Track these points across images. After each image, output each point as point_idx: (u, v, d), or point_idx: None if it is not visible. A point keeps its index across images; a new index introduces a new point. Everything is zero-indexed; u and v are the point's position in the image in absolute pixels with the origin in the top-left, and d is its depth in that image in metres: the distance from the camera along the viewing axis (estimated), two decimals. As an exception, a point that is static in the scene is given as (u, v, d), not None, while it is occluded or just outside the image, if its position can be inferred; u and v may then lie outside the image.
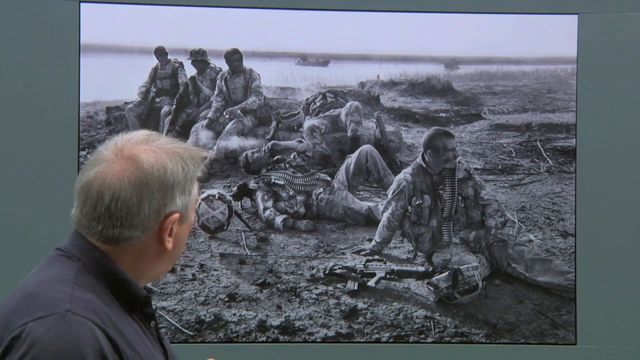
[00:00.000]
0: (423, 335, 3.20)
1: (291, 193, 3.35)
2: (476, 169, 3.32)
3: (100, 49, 3.19)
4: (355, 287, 3.23)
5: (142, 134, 1.48)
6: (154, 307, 1.54)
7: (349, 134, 3.38)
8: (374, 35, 3.29)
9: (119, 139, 1.46)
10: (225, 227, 3.28)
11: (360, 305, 3.22)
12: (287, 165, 3.36)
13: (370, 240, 3.29)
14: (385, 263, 3.26)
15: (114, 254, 1.43)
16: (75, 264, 1.43)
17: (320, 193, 3.35)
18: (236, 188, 3.33)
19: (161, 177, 1.42)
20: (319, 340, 3.18)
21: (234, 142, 3.35)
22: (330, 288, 3.23)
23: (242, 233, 3.28)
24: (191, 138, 3.33)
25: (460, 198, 3.28)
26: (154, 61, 3.30)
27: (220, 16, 3.24)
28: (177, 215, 1.43)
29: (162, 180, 1.42)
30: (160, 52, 3.29)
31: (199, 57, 3.33)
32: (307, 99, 3.40)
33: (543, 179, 3.32)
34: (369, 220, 3.32)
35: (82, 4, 3.14)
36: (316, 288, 3.22)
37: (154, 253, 1.45)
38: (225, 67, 3.34)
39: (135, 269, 1.44)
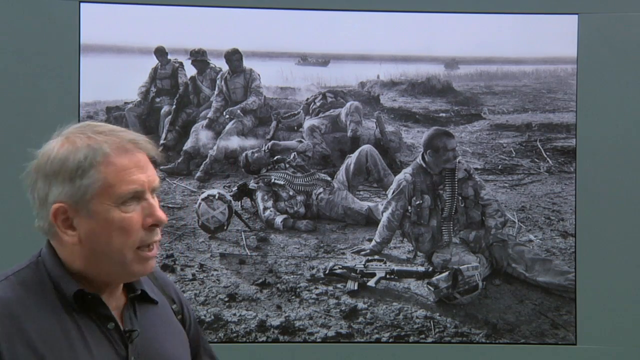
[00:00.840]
0: (423, 335, 3.20)
1: (291, 193, 3.35)
2: (476, 169, 3.32)
3: (100, 49, 3.19)
4: (355, 287, 3.23)
5: (84, 122, 1.47)
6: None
7: (349, 134, 3.38)
8: (374, 35, 3.29)
9: (69, 127, 1.47)
10: (225, 227, 3.28)
11: (360, 305, 3.22)
12: (287, 165, 3.36)
13: (370, 240, 3.29)
14: (385, 263, 3.26)
15: (58, 249, 1.43)
16: (29, 261, 1.46)
17: (320, 193, 3.35)
18: (236, 188, 3.33)
19: (42, 165, 1.43)
20: (319, 340, 3.18)
21: (234, 142, 3.35)
22: (330, 288, 3.23)
23: (242, 233, 3.28)
24: (191, 138, 3.33)
25: (460, 198, 3.28)
26: (154, 61, 3.30)
27: (220, 16, 3.24)
28: (58, 205, 1.37)
29: (44, 169, 1.41)
30: (160, 52, 3.29)
31: (199, 57, 3.33)
32: (307, 99, 3.40)
33: (543, 179, 3.32)
34: (369, 220, 3.32)
35: (82, 4, 3.14)
36: (316, 288, 3.22)
37: (69, 247, 1.40)
38: (225, 67, 3.34)
39: (70, 263, 1.42)
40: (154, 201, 1.41)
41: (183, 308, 1.62)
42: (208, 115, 3.36)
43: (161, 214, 1.40)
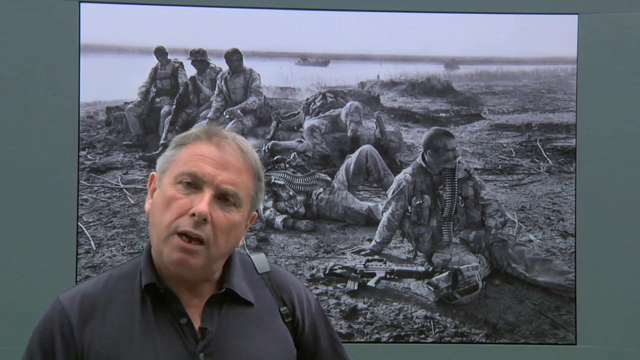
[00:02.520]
0: (423, 335, 3.20)
1: (291, 193, 3.35)
2: (476, 169, 3.32)
3: (100, 49, 3.19)
4: (355, 287, 3.23)
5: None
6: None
7: (349, 134, 3.38)
8: (374, 35, 3.29)
9: None
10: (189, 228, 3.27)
11: (360, 305, 3.22)
12: (287, 165, 3.36)
13: (370, 240, 3.29)
14: (385, 263, 3.26)
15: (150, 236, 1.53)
16: (139, 255, 1.54)
17: (320, 193, 3.35)
18: (236, 188, 3.32)
19: None
20: (319, 340, 3.18)
21: (234, 142, 3.34)
22: (330, 288, 3.23)
23: (242, 233, 3.28)
24: (191, 138, 3.33)
25: (460, 198, 3.28)
26: (154, 61, 3.30)
27: (220, 16, 3.24)
28: (153, 174, 1.50)
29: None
30: (160, 52, 3.29)
31: (199, 57, 3.33)
32: (307, 99, 3.40)
33: (543, 179, 3.32)
34: (369, 220, 3.32)
35: (82, 4, 3.14)
36: (316, 288, 3.22)
37: (150, 226, 1.49)
38: (225, 67, 3.34)
39: (155, 254, 1.50)
40: (207, 196, 1.42)
41: (296, 312, 1.59)
42: (208, 115, 3.36)
43: (201, 206, 1.41)
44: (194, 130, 1.49)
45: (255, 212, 1.55)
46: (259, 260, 1.61)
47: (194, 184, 1.43)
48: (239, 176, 1.46)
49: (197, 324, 1.46)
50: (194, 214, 1.41)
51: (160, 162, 1.49)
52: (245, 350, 1.47)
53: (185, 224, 1.41)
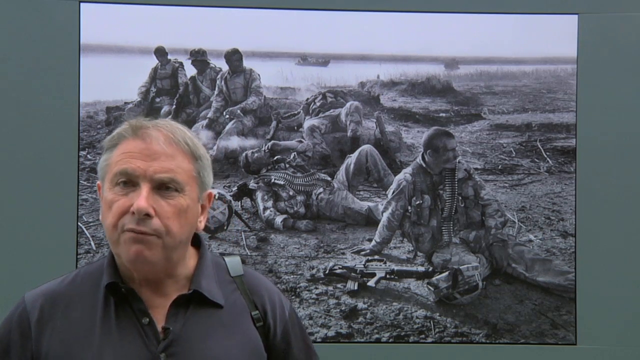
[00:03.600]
0: (423, 335, 3.20)
1: (291, 193, 3.35)
2: (476, 169, 3.32)
3: (100, 49, 3.19)
4: (355, 287, 3.23)
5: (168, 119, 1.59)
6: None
7: (349, 134, 3.38)
8: (374, 35, 3.29)
9: None
10: (225, 227, 3.28)
11: (360, 305, 3.22)
12: (287, 165, 3.36)
13: (370, 240, 3.29)
14: (385, 263, 3.26)
15: None
16: (108, 254, 1.54)
17: (320, 193, 3.35)
18: (236, 188, 3.33)
19: None
20: (319, 340, 3.18)
21: (234, 142, 3.35)
22: (330, 288, 3.23)
23: (242, 233, 3.28)
24: (191, 138, 3.33)
25: (460, 198, 3.28)
26: (154, 61, 3.30)
27: (220, 16, 3.24)
28: (99, 184, 1.49)
29: None
30: (160, 52, 3.29)
31: (199, 57, 3.33)
32: (307, 99, 3.40)
33: (543, 179, 3.32)
34: (369, 220, 3.32)
35: (82, 4, 3.14)
36: (316, 288, 3.22)
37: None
38: (225, 67, 3.34)
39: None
40: (144, 191, 1.41)
41: (267, 317, 1.58)
42: (208, 115, 3.36)
43: (139, 203, 1.40)
44: (119, 129, 1.47)
45: (209, 191, 1.53)
46: (233, 263, 1.61)
47: (129, 182, 1.42)
48: (172, 162, 1.44)
49: (160, 324, 1.45)
50: (134, 212, 1.40)
51: (98, 169, 1.48)
52: (208, 352, 1.46)
53: (128, 221, 1.41)
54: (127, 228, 1.40)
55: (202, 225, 1.53)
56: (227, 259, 1.61)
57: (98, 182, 1.49)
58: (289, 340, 1.61)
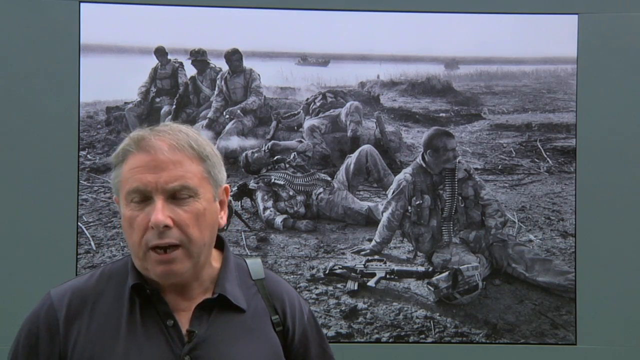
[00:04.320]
0: (423, 335, 3.20)
1: (291, 193, 3.35)
2: (476, 169, 3.32)
3: (100, 49, 3.19)
4: (355, 287, 3.23)
5: (169, 123, 1.54)
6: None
7: (349, 134, 3.38)
8: (374, 35, 3.29)
9: None
10: (225, 227, 3.28)
11: (360, 305, 3.22)
12: (287, 165, 3.36)
13: (370, 240, 3.29)
14: (385, 263, 3.26)
15: None
16: (125, 255, 1.57)
17: (320, 193, 3.35)
18: (236, 188, 3.33)
19: None
20: (319, 340, 3.17)
21: (234, 142, 3.35)
22: (330, 288, 3.23)
23: (242, 233, 3.28)
24: (191, 138, 3.33)
25: (460, 198, 3.28)
26: (154, 61, 3.30)
27: (220, 16, 3.24)
28: (116, 198, 1.49)
29: None
30: (160, 52, 3.29)
31: (199, 57, 3.33)
32: (307, 99, 3.40)
33: (543, 179, 3.32)
34: (369, 220, 3.32)
35: (82, 4, 3.14)
36: (316, 288, 3.22)
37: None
38: (225, 67, 3.34)
39: None
40: (159, 204, 1.41)
41: (287, 321, 1.58)
42: (208, 115, 3.36)
43: (156, 217, 1.40)
44: (123, 144, 1.46)
45: (223, 185, 1.53)
46: (254, 265, 1.60)
47: (143, 197, 1.42)
48: (180, 168, 1.43)
49: (184, 327, 1.45)
50: (152, 227, 1.40)
51: (112, 185, 1.49)
52: (232, 357, 1.46)
53: (151, 238, 1.41)
54: (152, 245, 1.41)
55: (223, 221, 1.52)
56: (248, 261, 1.61)
57: (115, 196, 1.49)
58: (307, 345, 1.61)
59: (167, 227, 1.40)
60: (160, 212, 1.40)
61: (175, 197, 1.42)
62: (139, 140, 1.44)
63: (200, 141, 1.48)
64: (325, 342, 1.67)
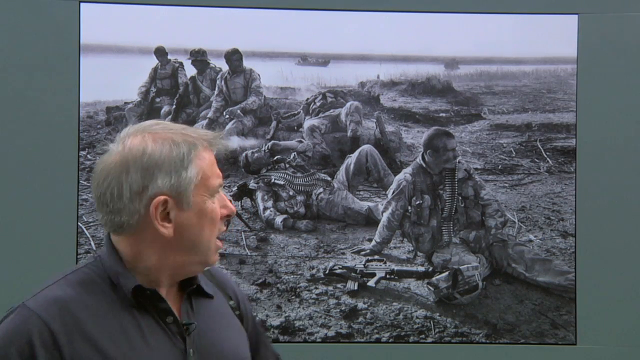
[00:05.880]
0: (423, 335, 3.20)
1: (291, 193, 3.35)
2: (476, 169, 3.32)
3: (100, 49, 3.19)
4: (355, 287, 3.22)
5: (150, 122, 1.49)
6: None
7: (349, 134, 3.38)
8: (374, 35, 3.29)
9: (131, 127, 1.49)
10: (225, 227, 3.28)
11: (360, 305, 3.22)
12: (287, 165, 3.36)
13: (370, 240, 3.29)
14: (385, 263, 3.26)
15: (118, 244, 1.46)
16: (88, 260, 1.49)
17: (320, 193, 3.35)
18: (236, 188, 3.33)
19: (138, 158, 1.41)
20: (319, 340, 3.18)
21: (234, 142, 3.35)
22: (330, 288, 3.23)
23: (242, 233, 3.28)
24: (191, 138, 3.33)
25: (460, 198, 3.28)
26: (154, 61, 3.30)
27: (220, 16, 3.24)
28: (162, 198, 1.41)
29: (141, 162, 1.41)
30: (160, 52, 3.29)
31: (199, 57, 3.33)
32: (307, 99, 3.40)
33: (543, 179, 3.32)
34: (369, 220, 3.32)
35: (82, 4, 3.14)
36: (316, 288, 3.22)
37: (155, 240, 1.43)
38: (225, 67, 3.34)
39: (138, 259, 1.45)
40: (224, 194, 1.49)
41: (240, 305, 1.65)
42: (208, 115, 3.36)
43: (232, 206, 1.50)
44: (188, 142, 1.45)
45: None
46: None
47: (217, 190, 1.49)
48: None
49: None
50: (229, 215, 1.49)
51: (171, 185, 1.42)
52: (222, 343, 1.51)
53: (222, 227, 1.50)
54: (222, 232, 1.49)
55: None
56: None
57: (162, 197, 1.41)
58: (257, 332, 1.70)
59: None
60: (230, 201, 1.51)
61: None
62: (202, 135, 1.47)
63: None
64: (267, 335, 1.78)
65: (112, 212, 1.43)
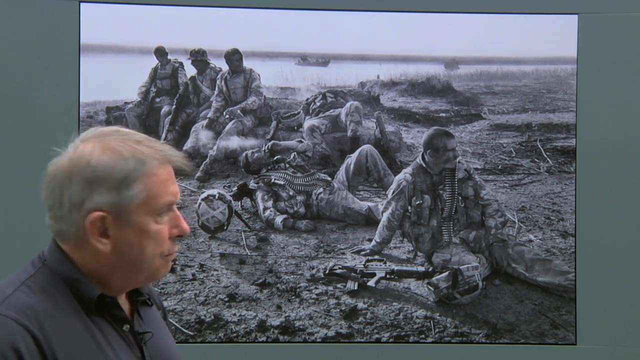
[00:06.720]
0: (423, 335, 3.20)
1: (291, 193, 3.35)
2: (476, 169, 3.32)
3: (100, 49, 3.19)
4: (355, 287, 3.23)
5: (111, 128, 1.45)
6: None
7: (349, 134, 3.38)
8: (374, 35, 3.29)
9: (90, 131, 1.46)
10: (225, 227, 3.28)
11: (360, 305, 3.22)
12: (287, 165, 3.36)
13: (370, 240, 3.29)
14: (385, 263, 3.26)
15: (71, 252, 1.41)
16: (37, 266, 1.42)
17: (320, 193, 3.35)
18: (236, 188, 3.33)
19: (82, 169, 1.38)
20: (319, 340, 3.18)
21: (234, 142, 3.35)
22: (330, 288, 3.23)
23: (242, 233, 3.28)
24: (191, 138, 3.33)
25: (460, 198, 3.28)
26: (154, 61, 3.30)
27: (220, 16, 3.24)
28: (99, 214, 1.35)
29: (83, 173, 1.37)
30: (160, 52, 3.29)
31: (199, 57, 3.33)
32: (307, 99, 3.40)
33: (543, 179, 3.32)
34: (369, 220, 3.32)
35: (82, 4, 3.14)
36: (316, 288, 3.22)
37: (97, 254, 1.38)
38: (225, 67, 3.34)
39: (90, 269, 1.40)
40: (179, 212, 1.43)
41: (159, 308, 1.64)
42: (208, 115, 3.36)
43: (186, 226, 1.43)
44: (139, 158, 1.38)
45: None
46: None
47: (167, 209, 1.41)
48: None
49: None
50: (180, 235, 1.42)
51: (110, 202, 1.35)
52: (169, 349, 1.51)
53: (172, 247, 1.43)
54: (171, 252, 1.42)
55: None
56: None
57: (99, 213, 1.35)
58: (168, 328, 1.67)
59: None
60: (184, 220, 1.43)
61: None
62: (157, 151, 1.41)
63: None
64: None
65: (55, 218, 1.41)
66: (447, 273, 3.23)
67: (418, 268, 3.26)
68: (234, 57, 3.32)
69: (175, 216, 1.42)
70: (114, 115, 3.29)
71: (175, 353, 1.55)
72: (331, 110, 3.41)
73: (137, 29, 3.24)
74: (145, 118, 3.34)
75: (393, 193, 3.30)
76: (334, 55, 3.36)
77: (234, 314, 3.18)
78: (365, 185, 3.39)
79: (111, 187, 1.36)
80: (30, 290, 1.36)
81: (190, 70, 3.36)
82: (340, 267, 3.25)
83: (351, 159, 3.35)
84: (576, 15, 3.22)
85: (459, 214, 3.28)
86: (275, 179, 3.35)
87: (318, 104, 3.41)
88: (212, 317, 3.17)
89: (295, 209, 3.34)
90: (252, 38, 3.28)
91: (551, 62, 3.31)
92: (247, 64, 3.33)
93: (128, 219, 1.36)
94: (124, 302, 1.47)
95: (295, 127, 3.40)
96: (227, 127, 3.36)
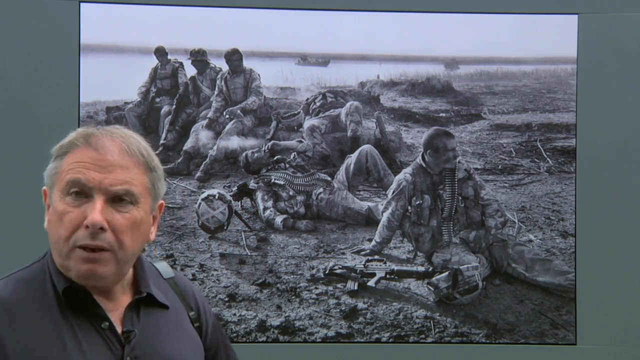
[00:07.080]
0: (423, 335, 3.20)
1: (291, 193, 3.35)
2: (476, 169, 3.32)
3: (100, 49, 3.19)
4: (355, 287, 3.23)
5: (113, 126, 1.50)
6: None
7: (349, 134, 3.38)
8: (374, 35, 3.29)
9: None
10: (225, 227, 3.28)
11: (360, 305, 3.22)
12: (287, 165, 3.36)
13: (370, 240, 3.29)
14: (385, 263, 3.26)
15: None
16: (35, 260, 1.48)
17: (320, 193, 3.35)
18: (236, 188, 3.33)
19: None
20: (319, 340, 3.18)
21: (234, 142, 3.35)
22: (330, 288, 3.23)
23: (242, 233, 3.28)
24: (191, 138, 3.33)
25: (460, 198, 3.28)
26: (154, 61, 3.30)
27: (220, 16, 3.24)
28: (44, 189, 1.45)
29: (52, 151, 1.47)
30: (160, 52, 3.29)
31: (199, 57, 3.33)
32: (307, 99, 3.40)
33: (543, 179, 3.32)
34: (369, 220, 3.32)
35: (82, 4, 3.14)
36: (316, 288, 3.22)
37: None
38: (225, 67, 3.34)
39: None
40: (99, 204, 1.37)
41: (200, 316, 1.60)
42: (208, 115, 3.36)
43: (94, 216, 1.36)
44: (70, 137, 1.44)
45: (161, 201, 1.50)
46: (163, 267, 1.61)
47: (82, 192, 1.38)
48: (128, 174, 1.40)
49: (118, 328, 1.43)
50: (88, 226, 1.36)
51: (46, 176, 1.44)
52: (169, 353, 1.47)
53: (82, 237, 1.37)
54: (79, 244, 1.37)
55: (153, 236, 1.49)
56: (156, 264, 1.61)
57: (44, 187, 1.44)
58: (217, 341, 1.65)
59: (102, 229, 1.36)
60: (98, 212, 1.36)
61: (115, 201, 1.39)
62: (88, 136, 1.42)
63: (149, 151, 1.46)
64: (229, 341, 1.73)
65: None
66: (447, 273, 3.23)
67: (418, 268, 3.26)
68: (234, 57, 3.32)
69: (91, 205, 1.37)
70: (114, 115, 3.29)
71: (177, 356, 1.50)
72: (331, 110, 3.41)
73: (137, 29, 3.24)
74: (145, 118, 3.34)
75: (393, 193, 3.30)
76: (334, 55, 3.36)
77: (234, 314, 3.18)
78: (365, 185, 3.39)
79: (51, 161, 1.47)
80: (13, 282, 1.42)
81: (190, 70, 3.36)
82: (340, 267, 3.25)
83: (351, 159, 3.35)
84: (576, 15, 3.22)
85: (459, 214, 3.28)
86: (275, 179, 3.35)
87: (318, 104, 3.41)
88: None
89: (295, 209, 3.34)
90: (252, 38, 3.28)
91: (551, 62, 3.31)
92: (247, 64, 3.33)
93: (51, 193, 1.43)
94: (119, 299, 1.46)
95: (295, 127, 3.40)
96: (227, 127, 3.36)
